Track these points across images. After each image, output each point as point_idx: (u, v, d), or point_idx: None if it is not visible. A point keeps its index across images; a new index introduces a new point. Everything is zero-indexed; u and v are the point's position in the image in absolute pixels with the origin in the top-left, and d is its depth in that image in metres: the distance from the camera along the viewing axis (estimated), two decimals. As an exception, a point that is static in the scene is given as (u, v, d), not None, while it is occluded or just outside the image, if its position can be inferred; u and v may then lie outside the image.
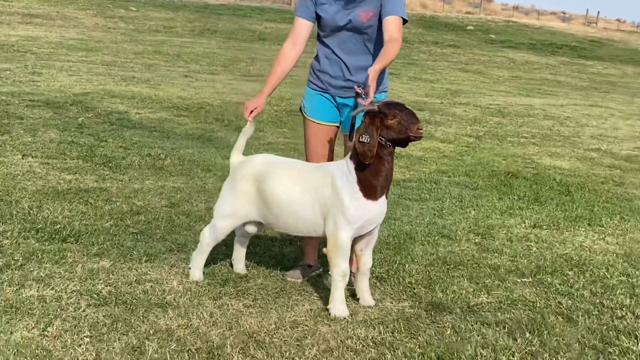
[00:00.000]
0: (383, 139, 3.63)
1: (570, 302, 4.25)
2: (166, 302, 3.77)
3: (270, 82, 4.20)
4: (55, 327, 3.38)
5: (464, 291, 4.27)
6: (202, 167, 6.86)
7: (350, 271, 4.17)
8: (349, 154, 3.80)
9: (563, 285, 4.52)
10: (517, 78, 20.87)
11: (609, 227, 6.23)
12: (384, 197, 3.74)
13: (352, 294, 4.08)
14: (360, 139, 3.60)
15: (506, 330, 3.74)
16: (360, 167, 3.67)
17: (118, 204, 5.49)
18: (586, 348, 3.60)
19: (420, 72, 18.91)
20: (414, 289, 4.26)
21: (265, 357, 3.27)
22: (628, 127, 13.36)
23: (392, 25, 4.02)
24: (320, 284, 4.24)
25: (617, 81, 23.09)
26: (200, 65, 15.94)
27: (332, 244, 3.73)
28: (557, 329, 3.79)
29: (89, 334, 3.35)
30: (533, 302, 4.20)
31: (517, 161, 8.95)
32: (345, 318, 3.73)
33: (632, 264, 5.14)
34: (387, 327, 3.65)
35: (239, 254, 4.32)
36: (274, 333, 3.51)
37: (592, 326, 3.89)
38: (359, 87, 3.83)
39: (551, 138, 11.16)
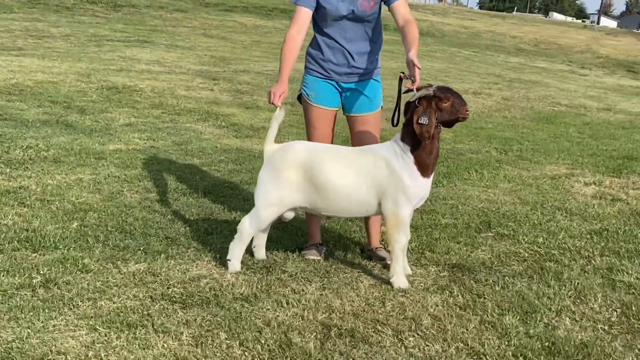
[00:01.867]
0: (436, 121, 3.97)
1: (543, 250, 4.95)
2: (246, 296, 3.81)
3: (287, 69, 4.32)
4: (186, 335, 3.33)
5: (462, 251, 4.78)
6: (94, 156, 6.57)
7: (371, 248, 4.50)
8: (397, 136, 4.07)
9: (522, 236, 5.21)
10: (259, 43, 21.48)
11: (475, 179, 7.11)
12: (432, 174, 4.11)
13: (384, 266, 4.40)
14: (419, 121, 3.91)
15: (535, 280, 4.32)
16: (415, 147, 3.98)
17: (58, 203, 5.19)
18: (603, 286, 4.30)
19: (172, 40, 18.76)
20: (424, 253, 4.68)
21: (395, 333, 3.50)
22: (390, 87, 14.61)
23: (403, 9, 4.35)
24: (345, 261, 4.48)
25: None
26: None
27: (393, 222, 4.02)
28: (567, 274, 4.45)
29: (226, 336, 3.34)
30: (520, 253, 4.83)
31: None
32: (407, 288, 4.05)
33: (540, 210, 6.00)
34: (452, 293, 4.04)
35: (261, 240, 4.41)
36: (374, 311, 3.74)
37: (584, 267, 4.62)
38: (403, 73, 4.12)
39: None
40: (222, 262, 4.23)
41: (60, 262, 4.05)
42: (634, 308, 3.94)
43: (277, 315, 3.59)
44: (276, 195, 4.08)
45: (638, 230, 5.54)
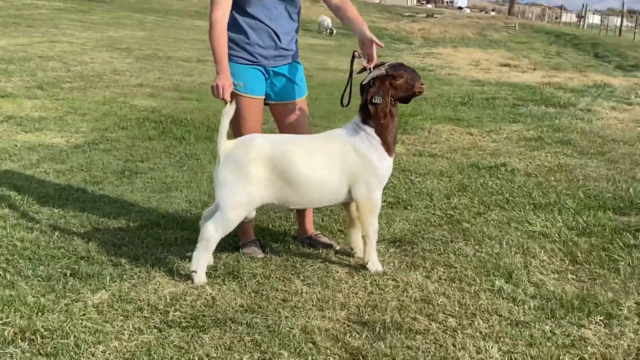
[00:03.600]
0: (392, 99, 3.98)
1: (439, 212, 5.21)
2: (248, 307, 3.53)
3: (225, 56, 4.01)
4: (252, 364, 3.02)
5: (381, 225, 4.83)
6: None
7: (310, 236, 4.43)
8: (356, 119, 4.00)
9: (410, 201, 5.43)
10: None
11: None
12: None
13: (336, 252, 4.34)
14: (373, 101, 3.89)
15: (472, 242, 4.56)
16: (379, 128, 3.96)
17: None
18: (528, 238, 4.67)
19: None
20: (352, 233, 4.67)
21: (429, 318, 3.49)
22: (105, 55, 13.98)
23: None
24: (297, 253, 4.35)
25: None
26: None
27: (368, 206, 3.97)
28: (491, 232, 4.74)
29: (288, 353, 3.10)
30: (428, 219, 5.05)
31: (139, 109, 9.03)
32: (384, 271, 4.05)
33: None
34: (426, 268, 4.10)
35: (208, 245, 4.10)
36: (385, 300, 3.69)
37: (494, 223, 4.96)
38: (356, 52, 4.05)
39: (109, 80, 11.26)
40: (179, 274, 3.88)
41: (5, 305, 3.40)
42: (579, 254, 4.36)
43: (307, 322, 3.39)
44: (244, 194, 3.80)
45: (491, 181, 6.05)
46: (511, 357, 3.11)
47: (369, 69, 3.97)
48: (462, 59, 19.64)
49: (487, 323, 3.42)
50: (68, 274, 3.86)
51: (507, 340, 3.25)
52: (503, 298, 3.71)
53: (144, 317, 3.40)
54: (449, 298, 3.70)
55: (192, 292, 3.68)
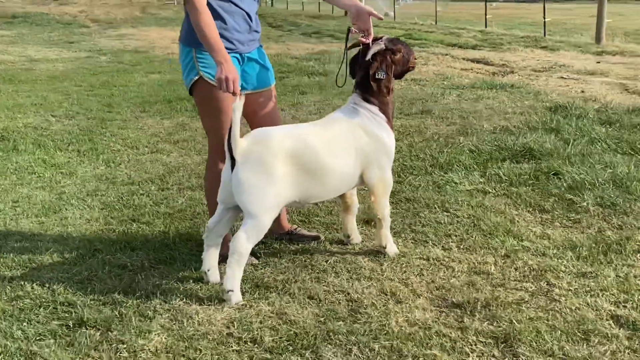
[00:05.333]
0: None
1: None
2: (325, 316, 3.19)
3: (221, 43, 3.55)
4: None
5: (337, 210, 4.67)
6: None
7: (291, 231, 4.17)
8: (355, 98, 3.77)
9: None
10: None
11: (170, 146, 6.64)
12: None
13: (331, 242, 4.10)
14: (377, 76, 3.72)
15: (437, 210, 4.55)
16: (382, 106, 3.78)
17: None
18: (476, 196, 4.79)
19: None
20: (311, 218, 4.46)
21: (503, 287, 3.42)
22: None
23: None
24: (291, 251, 4.00)
25: None
26: None
27: (382, 188, 3.77)
28: (450, 197, 4.78)
29: (440, 353, 2.88)
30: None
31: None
32: (399, 252, 3.92)
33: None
34: (435, 242, 3.98)
35: (214, 260, 3.65)
36: (445, 279, 3.56)
37: (432, 186, 5.00)
38: (351, 28, 3.79)
39: None
40: (206, 298, 3.42)
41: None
42: (540, 203, 4.55)
43: (408, 316, 3.16)
44: (274, 195, 3.40)
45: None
46: (624, 306, 3.17)
47: (367, 44, 3.74)
48: (162, 39, 19.21)
49: (562, 281, 3.45)
50: (72, 325, 3.21)
51: (599, 292, 3.31)
52: (539, 256, 3.76)
53: (237, 350, 2.93)
54: (496, 265, 3.67)
55: (250, 313, 3.24)
